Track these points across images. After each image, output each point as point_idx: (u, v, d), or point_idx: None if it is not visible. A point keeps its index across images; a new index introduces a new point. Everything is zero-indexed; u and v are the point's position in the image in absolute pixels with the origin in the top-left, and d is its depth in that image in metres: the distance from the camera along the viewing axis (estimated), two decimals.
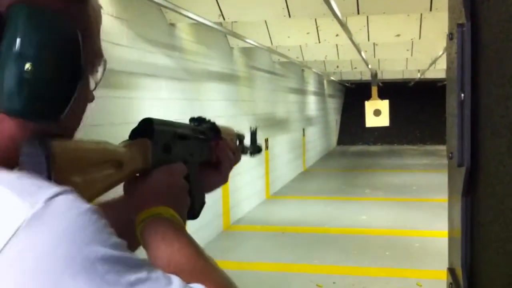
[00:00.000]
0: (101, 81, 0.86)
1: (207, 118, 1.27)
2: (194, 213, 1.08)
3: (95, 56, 0.84)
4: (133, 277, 0.65)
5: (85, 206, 0.66)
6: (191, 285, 0.72)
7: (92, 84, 0.84)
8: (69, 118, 0.76)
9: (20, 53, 0.69)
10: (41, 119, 0.73)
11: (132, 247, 0.92)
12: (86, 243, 0.63)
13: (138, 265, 0.67)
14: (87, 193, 0.81)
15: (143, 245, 0.89)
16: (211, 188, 1.25)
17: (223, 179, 1.27)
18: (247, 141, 1.49)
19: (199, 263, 0.83)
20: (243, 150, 1.43)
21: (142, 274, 0.66)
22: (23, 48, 0.69)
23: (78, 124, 0.84)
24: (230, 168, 1.29)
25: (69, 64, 0.74)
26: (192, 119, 1.25)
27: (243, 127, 1.54)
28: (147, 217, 0.90)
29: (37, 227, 0.62)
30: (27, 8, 0.70)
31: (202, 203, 1.16)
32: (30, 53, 0.70)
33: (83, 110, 0.84)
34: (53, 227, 0.62)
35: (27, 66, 0.69)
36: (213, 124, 1.26)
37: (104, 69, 0.87)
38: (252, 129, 1.55)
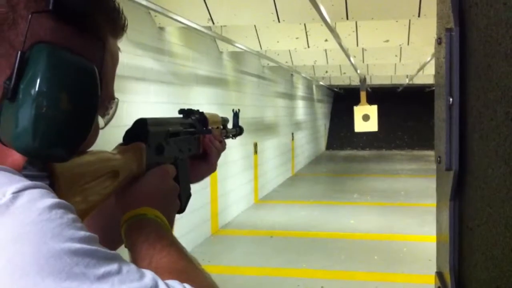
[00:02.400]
0: (110, 121, 0.86)
1: (195, 109, 1.28)
2: (180, 207, 1.07)
3: (108, 97, 0.84)
4: (102, 270, 0.64)
5: (53, 200, 0.65)
6: (167, 281, 0.71)
7: (101, 124, 0.84)
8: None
9: (39, 92, 0.69)
10: (53, 160, 0.73)
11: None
12: (52, 236, 0.62)
13: (109, 258, 0.66)
14: (84, 207, 0.81)
15: (126, 245, 0.88)
16: (200, 178, 1.27)
17: (212, 169, 1.29)
18: (230, 124, 1.52)
19: (180, 263, 0.83)
20: (227, 134, 1.45)
21: (112, 267, 0.65)
22: (43, 87, 0.69)
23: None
24: (218, 157, 1.31)
25: (86, 105, 0.74)
26: (181, 111, 1.26)
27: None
28: (131, 218, 0.90)
29: (3, 219, 0.61)
30: (49, 48, 0.71)
31: (188, 195, 1.16)
32: (49, 92, 0.69)
33: (89, 146, 0.84)
34: (19, 219, 0.62)
35: (45, 104, 0.69)
36: (201, 114, 1.28)
37: (115, 110, 0.87)
38: (234, 111, 1.58)
